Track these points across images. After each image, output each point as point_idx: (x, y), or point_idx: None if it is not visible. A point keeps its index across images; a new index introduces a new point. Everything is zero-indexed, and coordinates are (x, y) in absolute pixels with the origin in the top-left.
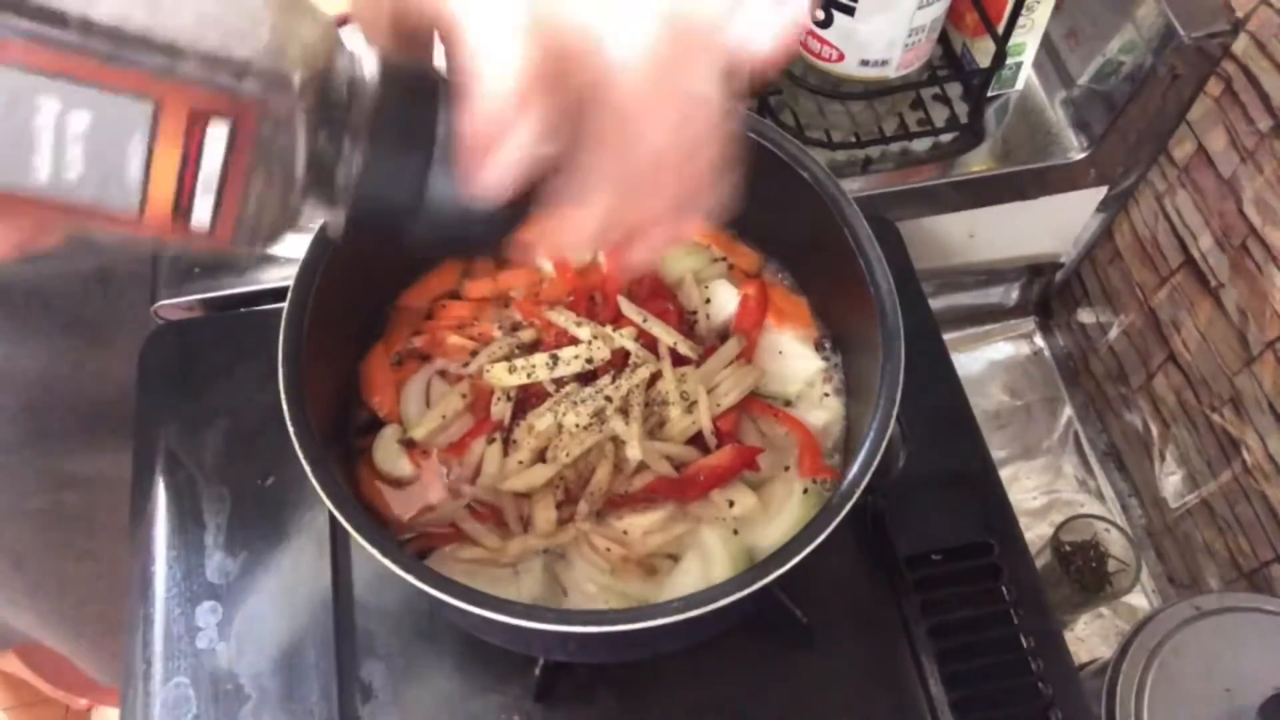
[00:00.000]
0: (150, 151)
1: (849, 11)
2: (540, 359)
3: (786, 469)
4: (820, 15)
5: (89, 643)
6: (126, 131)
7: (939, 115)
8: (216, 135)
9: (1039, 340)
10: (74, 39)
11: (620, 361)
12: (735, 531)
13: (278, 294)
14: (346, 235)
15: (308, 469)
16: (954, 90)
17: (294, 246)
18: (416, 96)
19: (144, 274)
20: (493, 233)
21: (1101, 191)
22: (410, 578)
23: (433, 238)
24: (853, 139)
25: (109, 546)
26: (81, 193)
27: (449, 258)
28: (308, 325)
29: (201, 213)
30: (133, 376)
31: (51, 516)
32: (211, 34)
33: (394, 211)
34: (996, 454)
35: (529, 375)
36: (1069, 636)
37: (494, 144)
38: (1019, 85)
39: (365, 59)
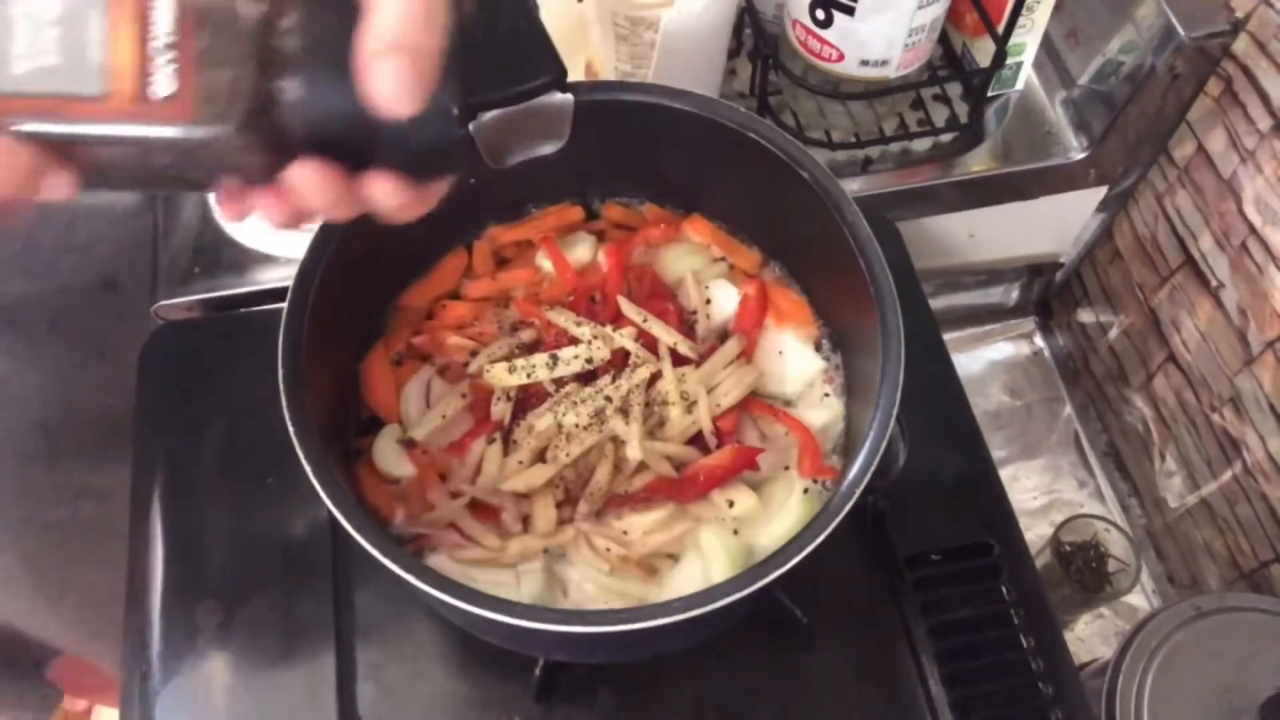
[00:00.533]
0: (107, 26)
1: (849, 11)
2: (540, 359)
3: (786, 469)
4: (820, 15)
5: (111, 644)
6: (86, 8)
7: (939, 115)
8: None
9: (1039, 340)
10: None
11: (620, 361)
12: (735, 531)
13: (278, 294)
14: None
15: (308, 469)
16: (954, 90)
17: (294, 246)
18: (336, 29)
19: (148, 280)
20: (442, 145)
21: (1101, 191)
22: (410, 578)
23: (388, 151)
24: (853, 139)
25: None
26: (53, 81)
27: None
28: (308, 325)
29: (161, 81)
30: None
31: (70, 527)
32: None
33: (338, 124)
34: (996, 454)
35: (529, 375)
36: (1069, 636)
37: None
38: (1019, 85)
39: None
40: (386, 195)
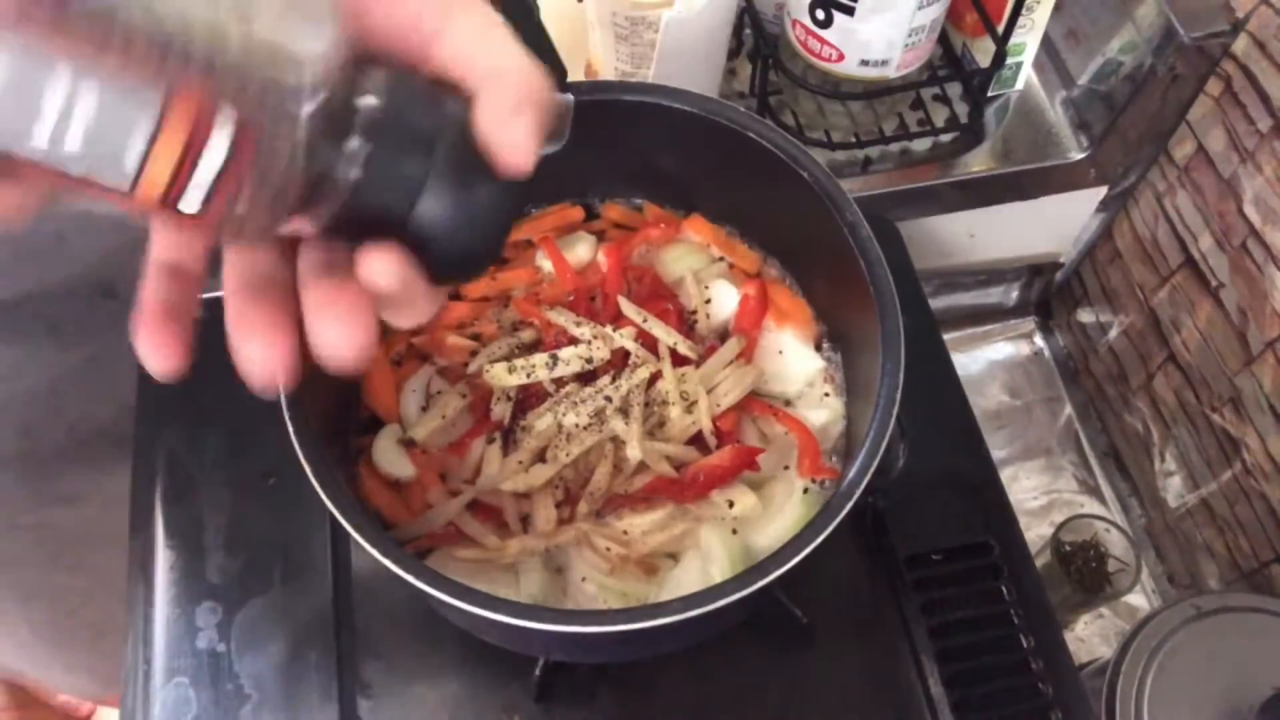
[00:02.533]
0: (152, 142)
1: (849, 11)
2: (540, 359)
3: (786, 469)
4: (820, 15)
5: (82, 649)
6: (131, 120)
7: (939, 115)
8: (221, 138)
9: (1039, 340)
10: (89, 26)
11: (620, 361)
12: (735, 531)
13: None
14: (334, 239)
15: (308, 469)
16: (954, 90)
17: None
18: (418, 110)
19: None
20: (477, 252)
21: (1101, 191)
22: (410, 578)
23: (430, 250)
24: (853, 139)
25: (104, 558)
26: (75, 165)
27: (446, 276)
28: None
29: (190, 203)
30: (135, 395)
31: (44, 531)
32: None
33: (385, 223)
34: (996, 454)
35: (529, 375)
36: (1069, 636)
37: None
38: (1019, 85)
39: (371, 72)
40: (390, 268)
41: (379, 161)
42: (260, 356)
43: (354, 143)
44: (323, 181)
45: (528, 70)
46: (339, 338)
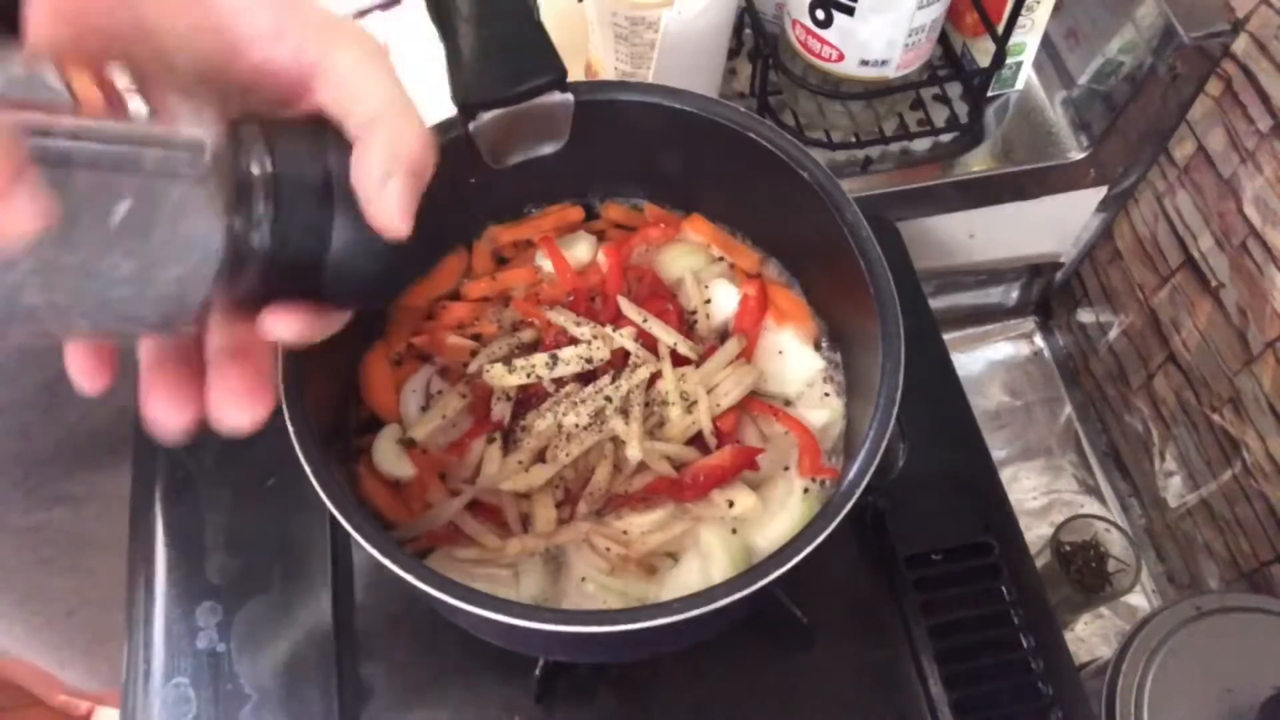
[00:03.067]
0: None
1: (849, 11)
2: (540, 359)
3: (786, 469)
4: (820, 15)
5: (79, 650)
6: None
7: (939, 115)
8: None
9: (1039, 340)
10: None
11: (620, 361)
12: (735, 531)
13: None
14: (260, 295)
15: (308, 469)
16: (954, 90)
17: None
18: (306, 156)
19: None
20: (398, 270)
21: (1101, 191)
22: (410, 578)
23: (345, 288)
24: (853, 139)
25: (100, 559)
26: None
27: (364, 305)
28: None
29: None
30: (133, 396)
31: (43, 533)
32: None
33: (301, 274)
34: (996, 454)
35: (529, 375)
36: (1069, 636)
37: (407, 177)
38: (1019, 85)
39: (253, 136)
40: (292, 326)
41: (283, 223)
42: (165, 420)
43: (258, 211)
44: (240, 258)
45: (402, 126)
46: (239, 417)
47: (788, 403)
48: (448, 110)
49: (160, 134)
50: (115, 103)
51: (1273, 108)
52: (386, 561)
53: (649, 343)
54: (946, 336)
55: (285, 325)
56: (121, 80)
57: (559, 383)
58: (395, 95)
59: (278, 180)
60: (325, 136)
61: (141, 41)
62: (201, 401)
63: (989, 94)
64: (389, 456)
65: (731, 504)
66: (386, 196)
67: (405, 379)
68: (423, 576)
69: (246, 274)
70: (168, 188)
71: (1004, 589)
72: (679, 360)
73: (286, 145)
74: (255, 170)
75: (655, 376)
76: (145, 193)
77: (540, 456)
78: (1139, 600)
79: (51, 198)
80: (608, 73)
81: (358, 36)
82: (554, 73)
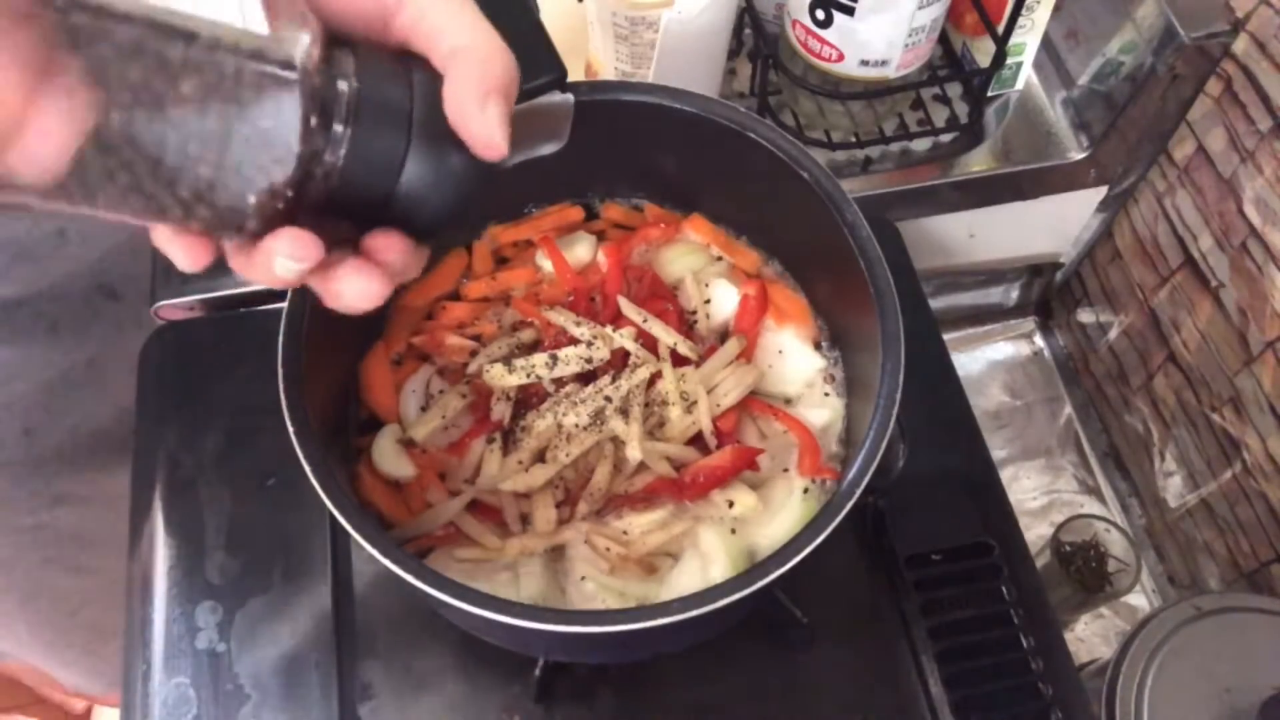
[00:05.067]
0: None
1: (849, 11)
2: (540, 359)
3: (786, 471)
4: (820, 15)
5: (80, 651)
6: None
7: (939, 115)
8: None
9: (1039, 340)
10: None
11: (620, 362)
12: (735, 531)
13: (278, 294)
14: (326, 213)
15: (308, 469)
16: (954, 90)
17: None
18: (390, 89)
19: (147, 292)
20: (461, 204)
21: (1101, 191)
22: (410, 578)
23: (410, 214)
24: (853, 139)
25: (104, 560)
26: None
27: (421, 235)
28: (308, 325)
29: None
30: (134, 397)
31: (45, 533)
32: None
33: (371, 196)
34: (996, 454)
35: (529, 375)
36: (1069, 636)
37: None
38: (1019, 85)
39: (341, 56)
40: (399, 255)
41: (360, 143)
42: (183, 258)
43: (337, 128)
44: (313, 168)
45: (493, 52)
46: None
47: (788, 402)
48: None
49: (253, 33)
50: None
51: (1273, 108)
52: (386, 561)
53: (649, 343)
54: (946, 336)
55: (392, 250)
56: None
57: (559, 383)
58: (481, 25)
59: (360, 100)
60: (411, 66)
61: None
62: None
63: (989, 94)
64: (389, 456)
65: (731, 504)
66: (488, 117)
67: (405, 379)
68: (423, 576)
69: (317, 188)
70: (255, 82)
71: (1004, 589)
72: (679, 360)
73: (373, 69)
74: (341, 87)
75: (655, 376)
76: (230, 82)
77: (540, 456)
78: (1139, 600)
79: (92, 89)
80: (608, 73)
81: None
82: (554, 73)
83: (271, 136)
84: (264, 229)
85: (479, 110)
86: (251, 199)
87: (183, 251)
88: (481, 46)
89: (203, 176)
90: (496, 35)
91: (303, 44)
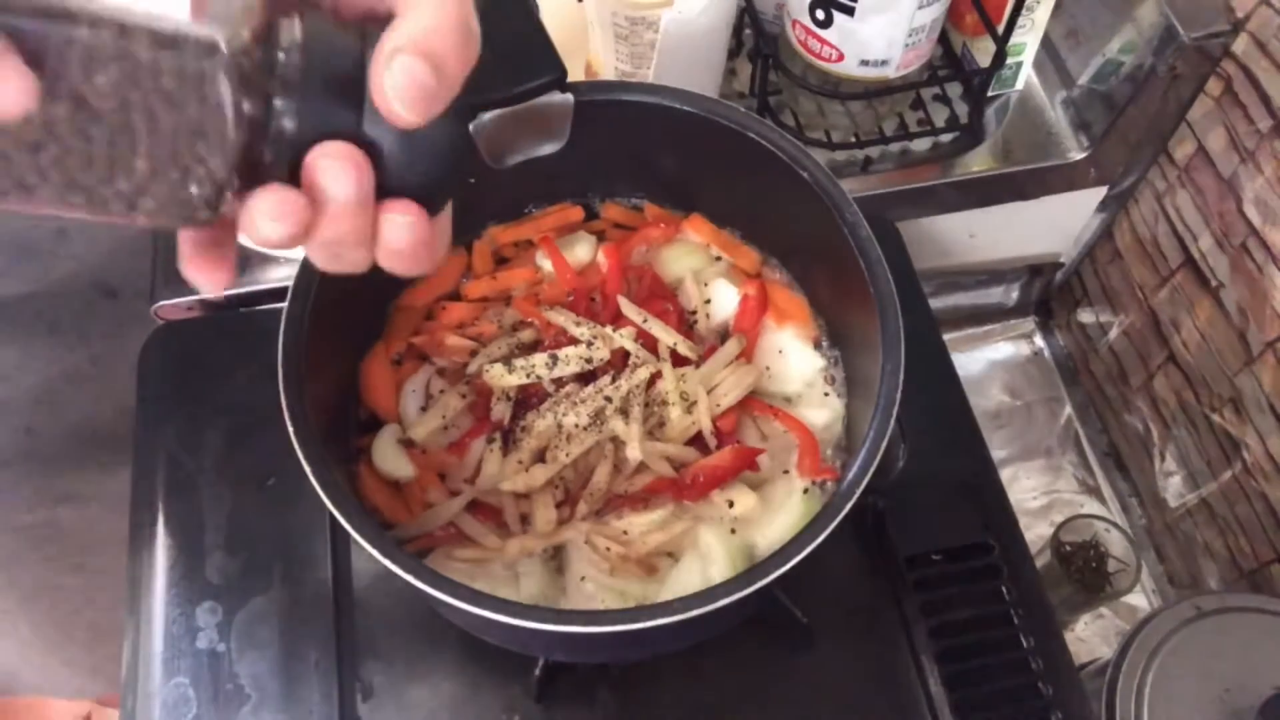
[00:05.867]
0: None
1: (849, 11)
2: (540, 359)
3: (786, 473)
4: (820, 15)
5: (81, 649)
6: None
7: (939, 115)
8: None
9: (1039, 340)
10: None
11: (620, 362)
12: (735, 531)
13: (278, 294)
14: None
15: (308, 469)
16: (954, 90)
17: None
18: (341, 50)
19: (147, 291)
20: (431, 180)
21: (1101, 191)
22: (410, 578)
23: (398, 187)
24: (853, 139)
25: (107, 559)
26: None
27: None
28: (308, 325)
29: None
30: (132, 396)
31: (46, 531)
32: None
33: None
34: (996, 454)
35: (529, 375)
36: (1069, 636)
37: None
38: (1019, 85)
39: (288, 22)
40: (399, 222)
41: (309, 114)
42: (204, 283)
43: (278, 103)
44: (260, 147)
45: (430, 7)
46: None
47: (788, 402)
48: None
49: (171, 17)
50: None
51: (1273, 108)
52: (386, 561)
53: (649, 343)
54: (946, 336)
55: (400, 220)
56: None
57: (559, 383)
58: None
59: (305, 71)
60: (366, 32)
61: None
62: (233, 265)
63: (989, 94)
64: (389, 456)
65: (731, 504)
66: (390, 75)
67: (405, 379)
68: (423, 576)
69: (278, 164)
70: (176, 70)
71: (1004, 589)
72: (679, 360)
73: (321, 37)
74: (281, 59)
75: (655, 377)
76: (148, 72)
77: (540, 456)
78: (1139, 600)
79: (30, 77)
80: (608, 73)
81: None
82: (554, 73)
83: (203, 125)
84: (217, 214)
85: (383, 66)
86: (194, 189)
87: (203, 276)
88: (428, 7)
89: (139, 170)
90: (463, 10)
91: (231, 21)
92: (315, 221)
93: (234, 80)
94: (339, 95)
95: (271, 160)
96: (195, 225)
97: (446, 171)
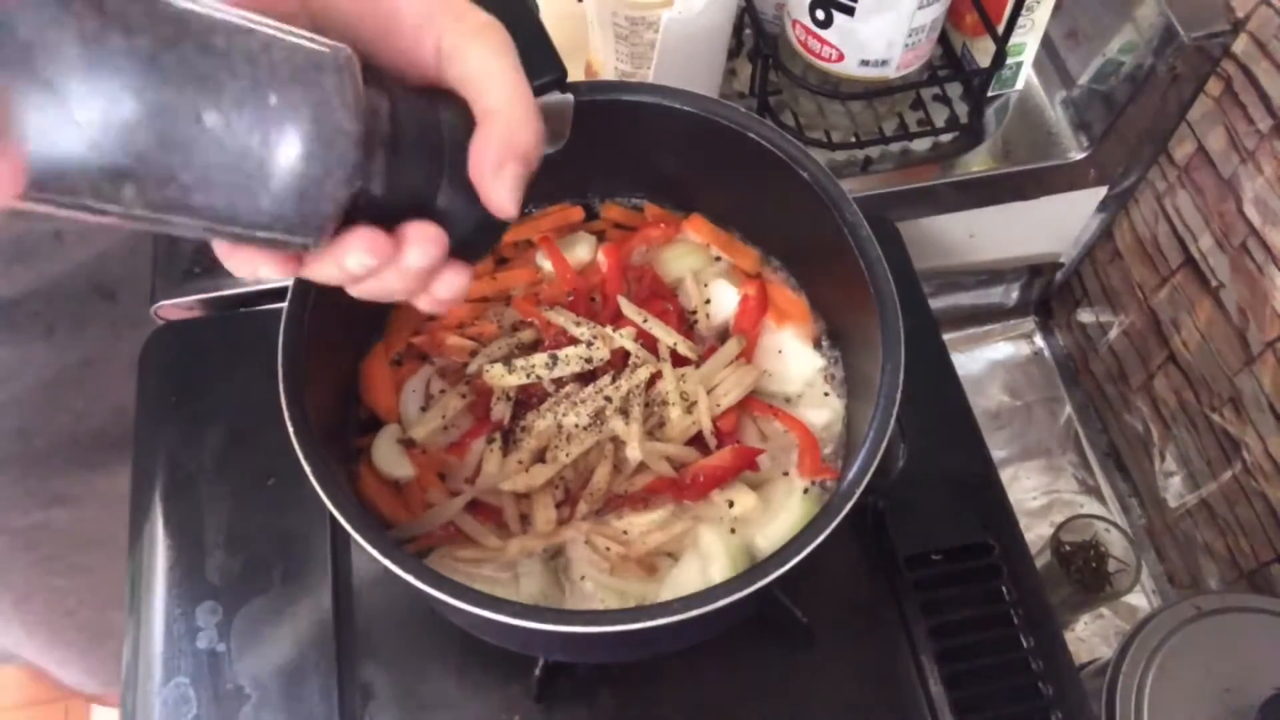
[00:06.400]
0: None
1: (849, 11)
2: (540, 359)
3: (786, 473)
4: (820, 15)
5: (76, 651)
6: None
7: (939, 115)
8: None
9: (1039, 340)
10: None
11: (620, 362)
12: (734, 531)
13: (278, 294)
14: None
15: (308, 469)
16: (954, 90)
17: None
18: (426, 123)
19: (146, 292)
20: (487, 237)
21: (1101, 191)
22: (410, 578)
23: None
24: (853, 139)
25: (100, 559)
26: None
27: (458, 258)
28: (308, 325)
29: None
30: (132, 396)
31: (40, 533)
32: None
33: (407, 216)
34: (996, 454)
35: (529, 375)
36: (1069, 636)
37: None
38: (1019, 85)
39: (381, 95)
40: (453, 281)
41: (397, 175)
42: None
43: (378, 159)
44: (358, 195)
45: (522, 119)
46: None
47: (788, 401)
48: None
49: (305, 34)
50: None
51: (1273, 108)
52: (386, 561)
53: (649, 343)
54: (946, 336)
55: (425, 245)
56: None
57: (559, 383)
58: (517, 92)
59: (398, 135)
60: (445, 104)
61: (300, 19)
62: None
63: (989, 94)
64: (389, 456)
65: (731, 504)
66: (500, 183)
67: (405, 379)
68: (423, 576)
69: (358, 215)
70: (309, 87)
71: (1004, 589)
72: (679, 360)
73: (410, 106)
74: (381, 121)
75: (655, 377)
76: (286, 84)
77: (540, 456)
78: (1139, 600)
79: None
80: (608, 73)
81: (493, 32)
82: (554, 73)
83: (329, 145)
84: (317, 244)
85: (493, 175)
86: (306, 210)
87: (271, 265)
88: (514, 112)
89: (256, 180)
90: (530, 102)
91: (353, 64)
92: (384, 270)
93: (358, 119)
94: (421, 166)
95: (363, 203)
96: (295, 249)
97: (500, 238)
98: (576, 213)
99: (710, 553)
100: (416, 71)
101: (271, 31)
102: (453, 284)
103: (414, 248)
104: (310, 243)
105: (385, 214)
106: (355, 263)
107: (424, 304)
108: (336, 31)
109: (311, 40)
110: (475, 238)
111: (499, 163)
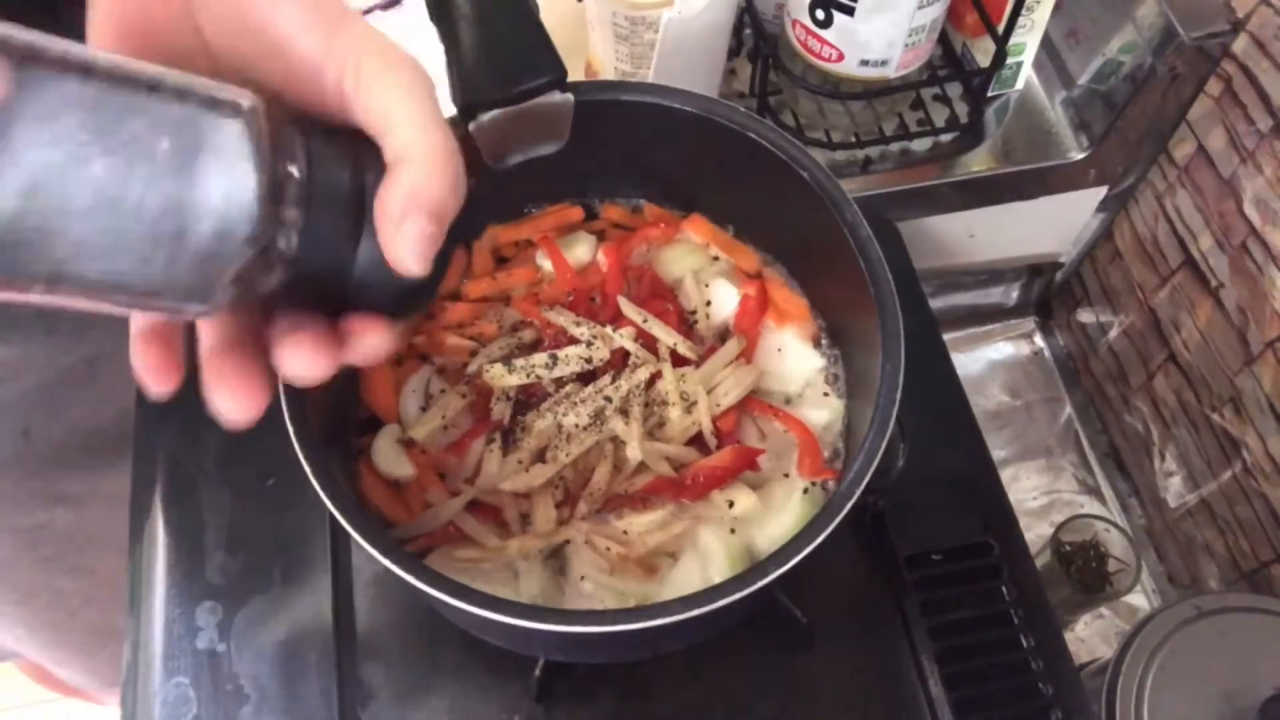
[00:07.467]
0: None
1: (849, 11)
2: (540, 359)
3: (786, 476)
4: (820, 15)
5: (78, 651)
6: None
7: (939, 115)
8: None
9: (1039, 340)
10: None
11: (620, 362)
12: (734, 531)
13: None
14: (282, 297)
15: (307, 469)
16: (954, 90)
17: None
18: (344, 167)
19: None
20: (420, 292)
21: (1101, 191)
22: (410, 578)
23: (368, 301)
24: (853, 139)
25: (103, 559)
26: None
27: (390, 317)
28: None
29: None
30: (134, 396)
31: (43, 533)
32: None
33: (327, 274)
34: (996, 454)
35: (528, 375)
36: (1069, 636)
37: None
38: (1019, 85)
39: (294, 140)
40: (374, 342)
41: (311, 226)
42: (230, 406)
43: (289, 212)
44: (270, 251)
45: (434, 166)
46: (302, 372)
47: (788, 401)
48: (448, 110)
49: (205, 84)
50: None
51: (1273, 108)
52: (386, 561)
53: (649, 343)
54: (946, 336)
55: (296, 358)
56: None
57: (559, 383)
58: (427, 135)
59: (311, 185)
60: (364, 150)
61: (199, 60)
62: (269, 390)
63: (989, 94)
64: (389, 456)
65: (731, 504)
66: (400, 238)
67: (405, 379)
68: (423, 576)
69: (273, 273)
70: (205, 135)
71: (1004, 589)
72: (679, 360)
73: (324, 153)
74: (292, 171)
75: (655, 377)
76: (180, 133)
77: (540, 456)
78: (1139, 600)
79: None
80: (608, 73)
81: (403, 68)
82: (554, 73)
83: (226, 212)
84: (218, 306)
85: (394, 229)
86: (206, 274)
87: (151, 370)
88: (421, 158)
89: (153, 241)
90: (445, 147)
91: (255, 109)
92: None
93: (261, 170)
94: (341, 219)
95: (276, 259)
96: (193, 315)
97: (432, 297)
98: (576, 213)
99: (710, 553)
100: (324, 114)
101: (158, 74)
102: (372, 348)
103: (361, 344)
104: (208, 310)
105: (302, 271)
106: (295, 368)
107: (354, 360)
108: (237, 73)
109: (208, 86)
110: (405, 296)
111: (400, 216)
